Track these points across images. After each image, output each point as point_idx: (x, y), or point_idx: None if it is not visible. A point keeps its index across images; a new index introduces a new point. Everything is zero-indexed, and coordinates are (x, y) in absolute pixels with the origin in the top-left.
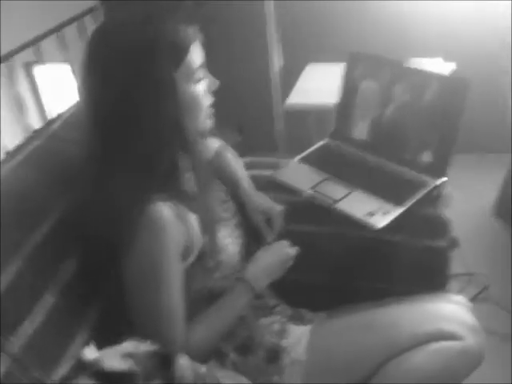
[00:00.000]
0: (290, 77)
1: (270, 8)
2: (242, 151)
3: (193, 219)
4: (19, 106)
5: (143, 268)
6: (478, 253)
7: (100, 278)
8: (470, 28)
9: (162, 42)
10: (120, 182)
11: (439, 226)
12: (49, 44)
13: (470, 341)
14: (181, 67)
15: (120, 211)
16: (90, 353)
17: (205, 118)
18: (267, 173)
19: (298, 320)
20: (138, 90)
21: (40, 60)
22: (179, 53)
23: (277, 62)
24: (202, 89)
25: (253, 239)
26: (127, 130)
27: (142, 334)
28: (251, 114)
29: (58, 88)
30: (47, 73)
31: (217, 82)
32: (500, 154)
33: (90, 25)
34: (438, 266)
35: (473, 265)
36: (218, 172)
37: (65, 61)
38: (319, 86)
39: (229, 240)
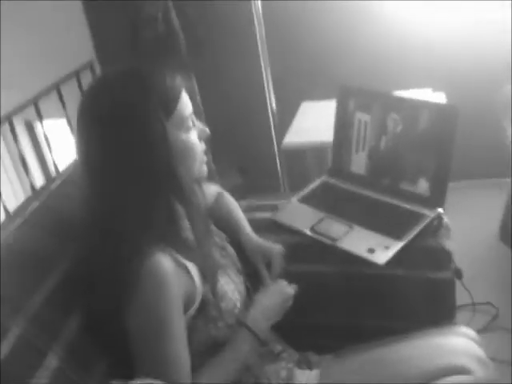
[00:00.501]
0: (286, 116)
1: (264, 50)
2: (245, 192)
3: (193, 268)
4: (23, 165)
5: (146, 321)
6: (484, 281)
7: (105, 335)
8: (458, 58)
9: (153, 94)
10: (118, 235)
11: (442, 258)
12: (48, 101)
13: (480, 374)
14: (172, 118)
15: (120, 264)
16: None
17: (199, 165)
18: (266, 215)
19: (305, 364)
20: (131, 142)
21: (40, 117)
22: (170, 102)
23: (272, 102)
24: (193, 137)
25: (255, 284)
26: (123, 183)
27: None
28: (251, 155)
29: (59, 144)
30: (48, 129)
31: (207, 131)
32: (499, 178)
33: (87, 80)
34: (443, 298)
35: (479, 294)
36: (217, 217)
37: (63, 116)
38: (315, 123)
39: (230, 287)
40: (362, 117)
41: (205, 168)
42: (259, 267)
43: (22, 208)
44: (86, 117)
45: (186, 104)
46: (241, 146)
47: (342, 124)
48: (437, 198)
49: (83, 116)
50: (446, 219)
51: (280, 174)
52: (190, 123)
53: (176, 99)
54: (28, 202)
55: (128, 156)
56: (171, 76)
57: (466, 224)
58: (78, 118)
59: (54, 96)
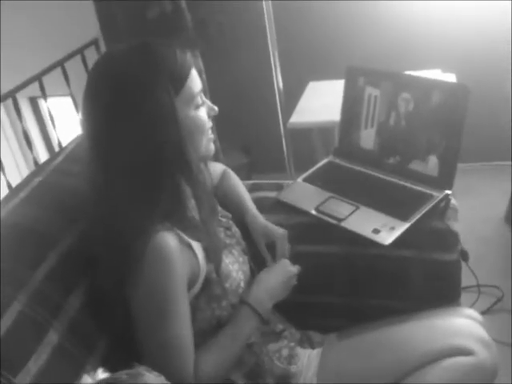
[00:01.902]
0: (292, 96)
1: (272, 28)
2: (250, 172)
3: (197, 247)
4: (27, 141)
5: (150, 298)
6: (489, 263)
7: (107, 311)
8: (468, 38)
9: (162, 69)
10: (123, 213)
11: (448, 239)
12: (52, 78)
13: (483, 355)
14: (181, 93)
15: (125, 242)
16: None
17: (207, 143)
18: (271, 194)
19: (307, 343)
20: (140, 118)
21: (44, 94)
22: (179, 78)
23: (279, 81)
24: (202, 114)
25: (258, 264)
26: (129, 159)
27: (151, 366)
28: (257, 134)
29: (63, 121)
30: (52, 106)
31: (215, 108)
32: (507, 161)
33: (92, 57)
34: (448, 280)
35: (484, 276)
36: (222, 196)
37: (67, 94)
38: (321, 103)
39: (234, 266)
40: (371, 91)
41: (212, 146)
42: (261, 247)
43: (24, 183)
44: (93, 91)
45: (195, 81)
46: (247, 126)
47: (351, 100)
48: (445, 179)
49: (91, 90)
50: (453, 200)
51: (286, 154)
52: (199, 100)
53: (185, 75)
54: (30, 177)
55: (135, 131)
56: (181, 52)
57: (472, 206)
58: (85, 91)
59: (58, 73)
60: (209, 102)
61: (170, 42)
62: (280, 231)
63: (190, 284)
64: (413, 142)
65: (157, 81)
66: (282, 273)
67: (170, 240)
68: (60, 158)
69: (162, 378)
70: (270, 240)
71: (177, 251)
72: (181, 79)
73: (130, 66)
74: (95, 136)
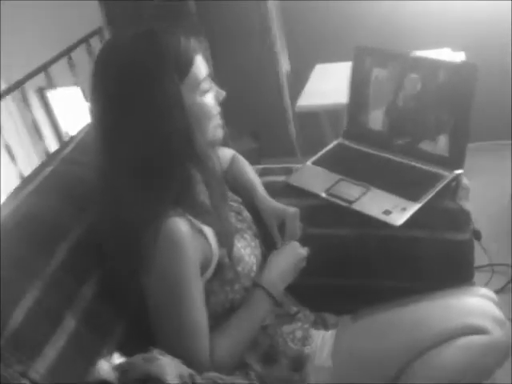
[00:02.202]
0: (299, 79)
1: (278, 11)
2: (258, 157)
3: (209, 232)
4: (36, 131)
5: (164, 284)
6: (501, 242)
7: (121, 298)
8: (478, 16)
9: (167, 56)
10: (134, 200)
11: (460, 219)
12: (58, 68)
13: (498, 334)
14: (186, 79)
15: (136, 229)
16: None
17: (214, 128)
18: (281, 178)
19: (321, 325)
20: (146, 104)
21: (51, 84)
22: (184, 65)
23: (285, 65)
24: (209, 99)
25: (269, 247)
26: (137, 146)
27: (167, 351)
28: (265, 119)
29: (72, 111)
30: (60, 97)
31: (223, 93)
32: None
33: (97, 46)
34: (461, 260)
35: (497, 255)
36: (233, 181)
37: (75, 83)
38: (329, 86)
39: (246, 251)
40: (379, 72)
41: (220, 131)
42: (272, 229)
43: (34, 173)
44: (99, 78)
45: (200, 67)
46: (254, 110)
47: (359, 81)
48: (456, 158)
49: (97, 77)
50: (464, 180)
51: (294, 137)
52: (206, 86)
53: (190, 61)
54: (41, 167)
55: (142, 119)
56: (185, 38)
57: (483, 185)
58: (91, 79)
59: (64, 64)
60: (216, 87)
61: (174, 28)
62: (291, 210)
63: (203, 269)
64: (422, 122)
65: (162, 68)
66: (292, 255)
67: (181, 225)
68: (70, 148)
69: (177, 361)
70: (281, 220)
71: (189, 236)
72: (185, 66)
73: (134, 54)
74: (103, 125)
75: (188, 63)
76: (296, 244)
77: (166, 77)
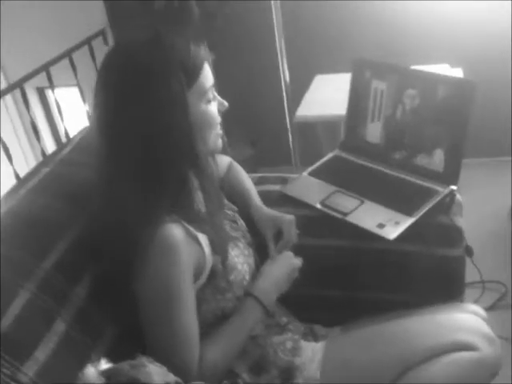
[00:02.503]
0: (299, 89)
1: (279, 21)
2: (255, 165)
3: (203, 239)
4: (34, 131)
5: (156, 288)
6: (493, 259)
7: (113, 301)
8: (476, 33)
9: (175, 63)
10: (131, 204)
11: (453, 235)
12: (59, 68)
13: (487, 351)
14: (193, 87)
15: (131, 233)
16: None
17: (215, 138)
18: (276, 187)
19: (311, 337)
20: (151, 110)
21: (52, 84)
22: (192, 73)
23: (286, 75)
24: (213, 109)
25: (263, 256)
26: (139, 148)
27: (156, 356)
28: (263, 128)
29: (70, 112)
30: (59, 97)
31: (226, 104)
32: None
33: (99, 48)
34: (453, 275)
35: (488, 272)
36: (228, 188)
37: (75, 84)
38: (328, 96)
39: (240, 259)
40: (378, 85)
41: (220, 141)
42: (267, 238)
43: (31, 174)
44: (105, 79)
45: (207, 75)
46: (253, 119)
47: (357, 94)
48: (450, 174)
49: (103, 79)
50: (458, 196)
51: (292, 147)
52: (211, 95)
53: (199, 69)
54: (38, 168)
55: (146, 121)
56: (196, 45)
57: (477, 201)
58: (97, 80)
59: (65, 64)
60: (219, 98)
61: (184, 33)
62: (287, 217)
63: (196, 276)
64: (419, 136)
65: (170, 70)
66: (286, 265)
67: (176, 231)
68: (68, 149)
69: (164, 369)
70: (277, 228)
71: (183, 242)
72: (194, 73)
73: (143, 55)
74: (106, 124)
75: (197, 70)
76: (290, 254)
77: (174, 79)
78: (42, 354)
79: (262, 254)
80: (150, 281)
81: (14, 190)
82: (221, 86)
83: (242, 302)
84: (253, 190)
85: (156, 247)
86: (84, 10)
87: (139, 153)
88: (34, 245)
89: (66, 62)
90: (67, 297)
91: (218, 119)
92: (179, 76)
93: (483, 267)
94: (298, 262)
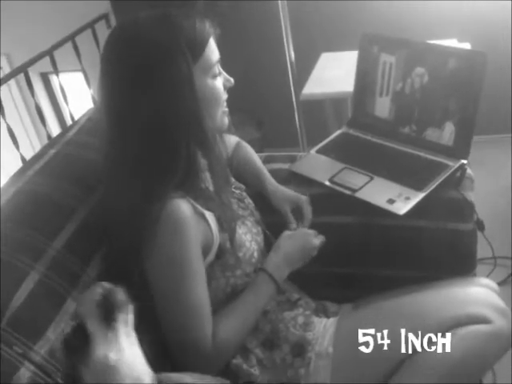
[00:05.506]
0: (305, 68)
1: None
2: (262, 147)
3: (210, 217)
4: (40, 116)
5: (166, 264)
6: (504, 235)
7: (125, 280)
8: (484, 8)
9: (180, 38)
10: (138, 181)
11: (464, 209)
12: (63, 53)
13: (499, 324)
14: (199, 62)
15: (140, 209)
16: None
17: (222, 114)
18: (285, 166)
19: (322, 313)
20: (157, 86)
21: (55, 69)
22: (197, 47)
23: (291, 53)
24: (219, 84)
25: (276, 233)
26: (146, 127)
27: (170, 332)
28: (269, 108)
29: (75, 97)
30: (63, 82)
31: (232, 80)
32: None
33: (102, 32)
34: (464, 250)
35: (499, 247)
36: (236, 167)
37: (78, 69)
38: (335, 74)
39: (248, 237)
40: (387, 58)
41: (226, 119)
42: (286, 214)
43: (38, 155)
44: (111, 56)
45: (213, 50)
46: (259, 99)
47: (365, 68)
48: (461, 148)
49: (109, 55)
50: (469, 170)
51: (298, 126)
52: (217, 70)
53: (204, 43)
54: (45, 149)
55: (152, 96)
56: (200, 19)
57: (487, 177)
58: (102, 57)
59: (69, 49)
60: (225, 74)
61: (189, 11)
62: (303, 196)
63: (204, 252)
64: (428, 110)
65: (175, 47)
66: (303, 240)
67: (184, 207)
68: (73, 131)
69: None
70: (295, 205)
71: (191, 218)
72: (199, 47)
73: (148, 33)
74: (112, 101)
75: (202, 45)
76: (310, 232)
77: (180, 56)
78: (53, 333)
79: (272, 231)
80: (161, 256)
81: (21, 172)
82: (226, 66)
83: (254, 278)
84: (265, 169)
85: (164, 222)
86: None
87: (146, 128)
88: (44, 225)
89: (69, 48)
90: (78, 277)
91: (225, 95)
92: (185, 51)
93: (494, 243)
94: (317, 242)
